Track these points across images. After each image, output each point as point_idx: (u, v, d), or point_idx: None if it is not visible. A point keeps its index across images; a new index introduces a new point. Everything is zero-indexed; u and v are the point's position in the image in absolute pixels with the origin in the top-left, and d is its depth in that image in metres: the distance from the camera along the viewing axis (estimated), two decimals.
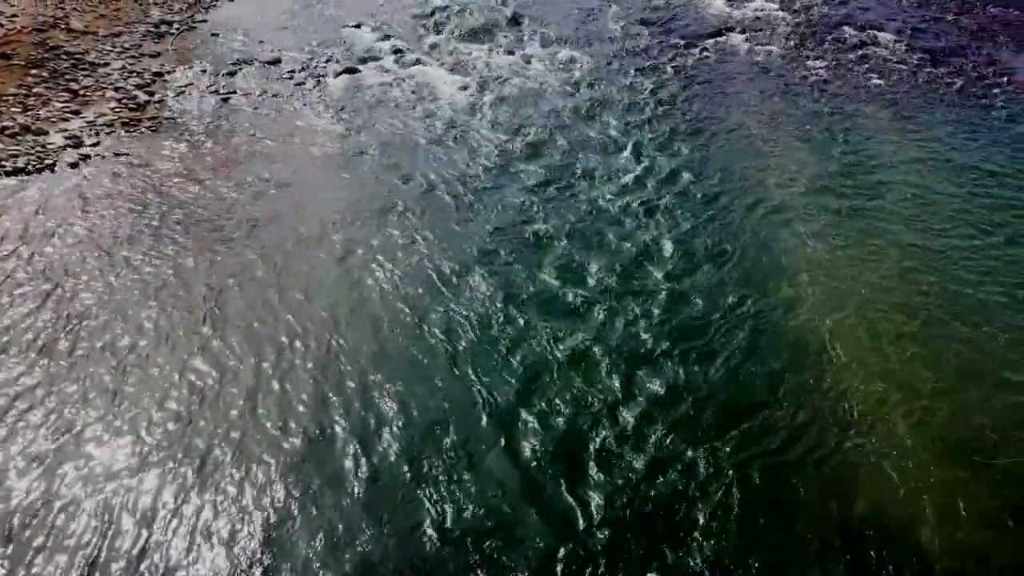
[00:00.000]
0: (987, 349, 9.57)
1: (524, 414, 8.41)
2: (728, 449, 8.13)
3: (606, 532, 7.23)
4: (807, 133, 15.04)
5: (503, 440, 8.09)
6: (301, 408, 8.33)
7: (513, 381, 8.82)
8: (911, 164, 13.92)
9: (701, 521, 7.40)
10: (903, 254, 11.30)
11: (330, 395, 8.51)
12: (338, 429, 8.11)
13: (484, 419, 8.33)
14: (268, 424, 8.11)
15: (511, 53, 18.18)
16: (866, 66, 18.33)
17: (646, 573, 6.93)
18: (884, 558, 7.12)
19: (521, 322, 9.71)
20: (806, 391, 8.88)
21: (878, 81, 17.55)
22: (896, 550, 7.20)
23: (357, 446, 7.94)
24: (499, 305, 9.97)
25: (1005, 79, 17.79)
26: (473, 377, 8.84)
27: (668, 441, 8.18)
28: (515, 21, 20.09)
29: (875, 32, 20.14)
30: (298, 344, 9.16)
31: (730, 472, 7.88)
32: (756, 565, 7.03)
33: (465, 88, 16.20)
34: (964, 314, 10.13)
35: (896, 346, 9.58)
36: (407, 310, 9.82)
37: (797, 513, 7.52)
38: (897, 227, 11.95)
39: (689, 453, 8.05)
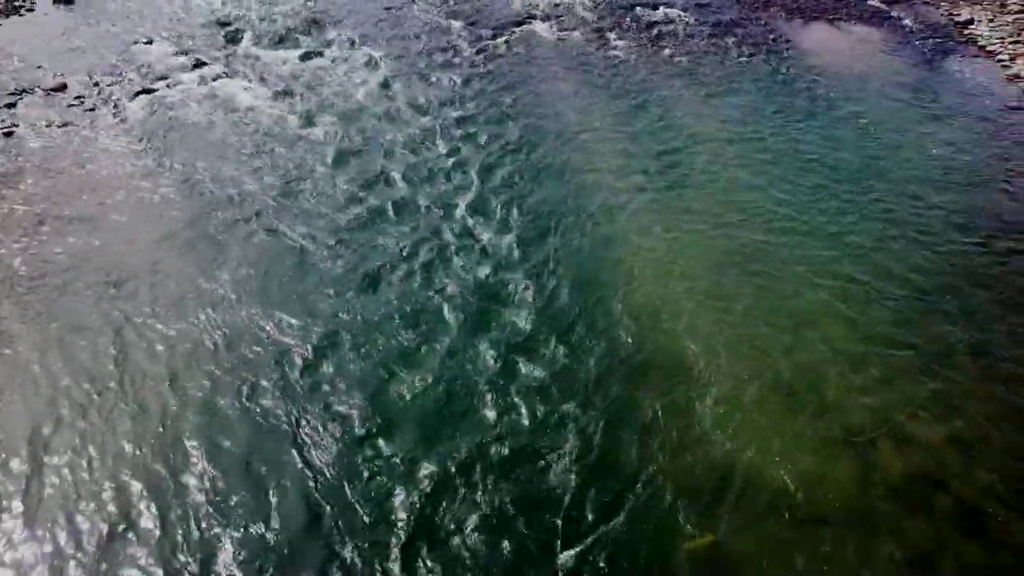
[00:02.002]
0: (792, 298, 10.55)
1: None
2: (590, 415, 8.60)
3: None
4: (618, 114, 15.75)
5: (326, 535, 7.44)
6: (74, 501, 7.66)
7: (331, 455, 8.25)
8: (713, 134, 14.96)
9: (574, 483, 7.85)
10: (717, 222, 12.17)
11: (110, 482, 7.82)
12: (130, 522, 7.50)
13: (295, 504, 7.69)
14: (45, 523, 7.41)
15: (317, 58, 17.74)
16: (663, 43, 19.41)
17: (528, 531, 7.21)
18: (739, 493, 7.87)
19: (344, 388, 8.98)
20: (654, 361, 9.46)
21: (675, 56, 18.64)
22: (749, 484, 7.96)
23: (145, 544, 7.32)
24: (313, 363, 9.24)
25: (782, 46, 19.43)
26: (284, 457, 8.13)
27: (538, 421, 8.51)
28: (317, 24, 19.60)
29: (665, 10, 21.33)
30: (80, 423, 8.38)
31: (597, 437, 8.39)
32: (630, 518, 7.51)
33: (273, 101, 15.62)
34: (778, 270, 11.10)
35: (716, 303, 10.39)
36: (220, 379, 9.00)
37: (653, 464, 8.10)
38: (707, 198, 12.83)
39: (556, 429, 8.42)
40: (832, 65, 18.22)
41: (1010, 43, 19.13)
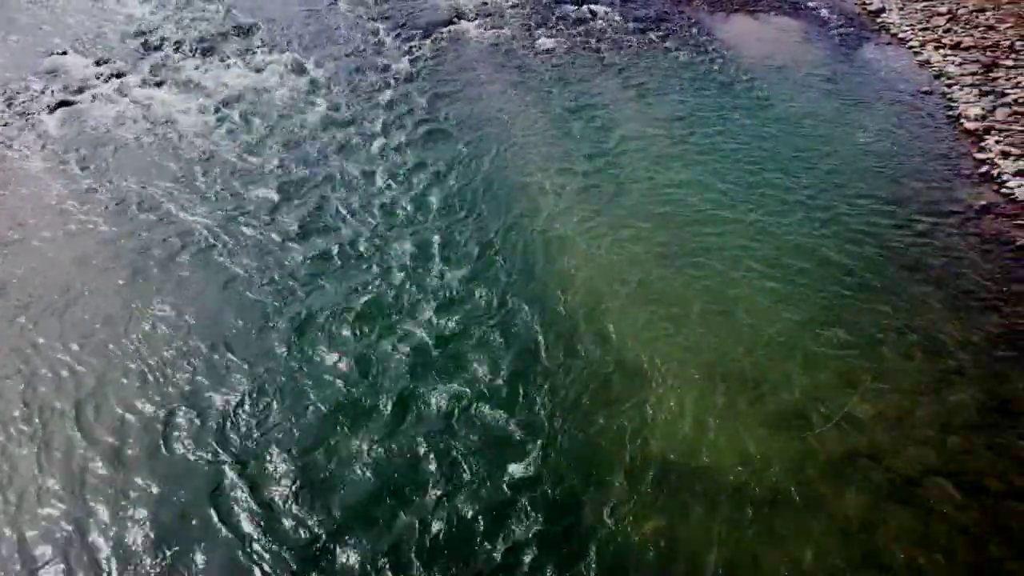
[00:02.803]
0: (730, 290, 10.83)
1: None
2: (537, 414, 8.72)
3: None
4: (554, 115, 15.86)
5: None
6: None
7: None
8: (647, 131, 15.17)
9: (523, 480, 7.93)
10: (655, 220, 12.38)
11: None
12: None
13: None
14: None
15: (245, 65, 17.41)
16: (591, 40, 19.65)
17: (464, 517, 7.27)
18: (686, 480, 8.05)
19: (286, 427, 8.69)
20: (597, 358, 9.60)
21: (605, 54, 18.88)
22: (695, 471, 8.17)
23: None
24: (268, 405, 8.86)
25: (707, 39, 19.87)
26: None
27: (486, 421, 8.55)
28: (242, 30, 19.23)
29: (591, 6, 21.61)
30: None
31: (544, 433, 8.49)
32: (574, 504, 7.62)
33: (201, 112, 15.23)
34: (715, 264, 11.38)
35: (656, 299, 10.60)
36: (134, 422, 8.58)
37: (603, 456, 8.26)
38: (644, 195, 13.02)
39: (504, 428, 8.50)
40: (755, 57, 18.72)
41: (919, 30, 19.95)
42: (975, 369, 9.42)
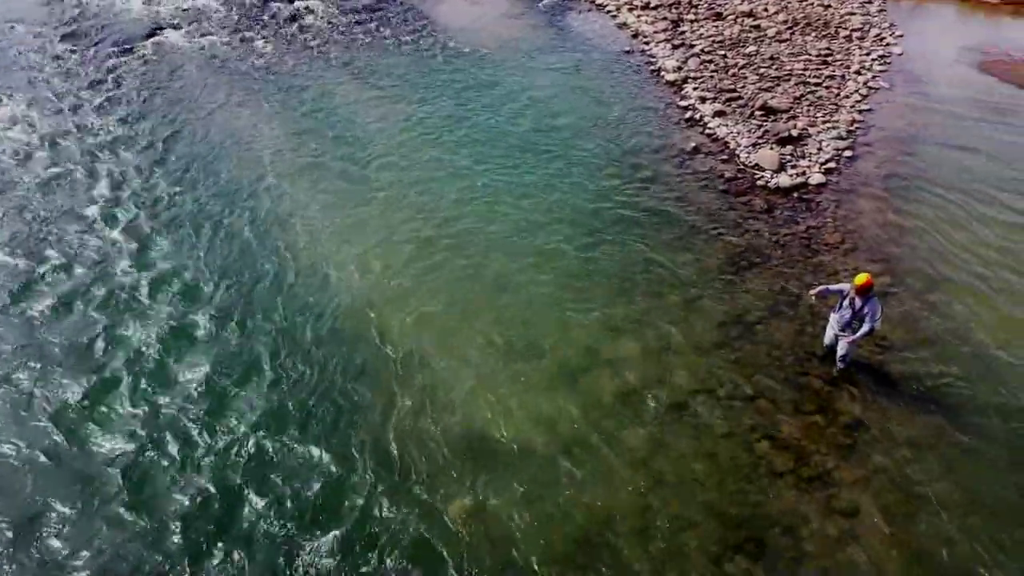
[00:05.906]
0: (492, 263, 11.19)
1: None
2: (327, 417, 8.63)
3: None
4: (286, 122, 15.30)
5: None
6: None
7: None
8: (385, 126, 15.12)
9: (327, 474, 7.86)
10: (412, 211, 12.43)
11: None
12: None
13: None
14: None
15: None
16: (307, 36, 19.15)
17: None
18: (484, 451, 8.34)
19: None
20: (376, 354, 9.60)
21: (326, 50, 18.48)
22: (491, 440, 8.48)
23: None
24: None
25: (424, 25, 20.12)
26: None
27: (286, 432, 8.20)
28: None
29: (303, 2, 21.00)
30: None
31: (341, 432, 8.46)
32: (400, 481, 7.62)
33: None
34: (475, 241, 11.68)
35: (424, 289, 10.72)
36: None
37: (399, 448, 8.30)
38: (397, 189, 13.02)
39: (303, 434, 8.20)
40: (475, 39, 19.23)
41: None
42: (712, 292, 10.54)
